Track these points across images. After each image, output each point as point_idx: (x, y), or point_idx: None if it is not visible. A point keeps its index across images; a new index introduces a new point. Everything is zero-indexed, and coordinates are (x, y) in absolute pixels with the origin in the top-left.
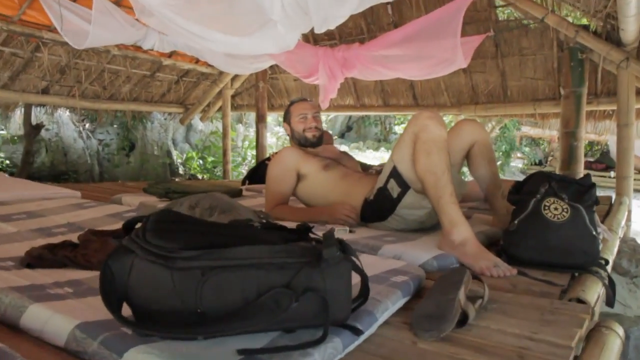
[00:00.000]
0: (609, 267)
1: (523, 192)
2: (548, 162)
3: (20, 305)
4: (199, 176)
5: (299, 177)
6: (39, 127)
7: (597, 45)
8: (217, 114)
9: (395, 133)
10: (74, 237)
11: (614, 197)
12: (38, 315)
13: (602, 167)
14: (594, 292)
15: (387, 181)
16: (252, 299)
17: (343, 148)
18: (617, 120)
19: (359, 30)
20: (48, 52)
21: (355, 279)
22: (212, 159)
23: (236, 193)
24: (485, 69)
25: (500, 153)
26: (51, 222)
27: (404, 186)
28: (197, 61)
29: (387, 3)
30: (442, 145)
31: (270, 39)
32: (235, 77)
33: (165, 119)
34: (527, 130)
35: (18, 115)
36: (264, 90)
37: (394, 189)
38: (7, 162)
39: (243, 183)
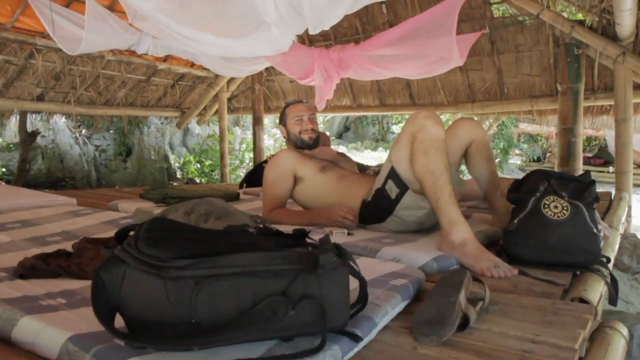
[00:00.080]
0: (610, 265)
1: (522, 190)
2: (546, 159)
3: (11, 318)
4: (197, 180)
5: (296, 180)
6: (34, 134)
7: (593, 40)
8: (214, 117)
9: (392, 132)
10: (68, 246)
11: (613, 192)
12: (30, 328)
13: (600, 162)
14: (596, 291)
15: (385, 182)
16: (248, 307)
17: (341, 149)
18: (614, 115)
19: (354, 31)
20: (42, 58)
21: (354, 283)
22: (210, 162)
23: (233, 197)
24: (482, 66)
25: (498, 150)
26: (46, 230)
27: (402, 187)
28: (193, 65)
29: (382, 2)
30: (440, 144)
31: (265, 40)
32: (231, 80)
33: (161, 124)
34: (525, 127)
35: (13, 122)
36: (260, 93)
37: (392, 189)
38: (4, 169)
39: (241, 186)
